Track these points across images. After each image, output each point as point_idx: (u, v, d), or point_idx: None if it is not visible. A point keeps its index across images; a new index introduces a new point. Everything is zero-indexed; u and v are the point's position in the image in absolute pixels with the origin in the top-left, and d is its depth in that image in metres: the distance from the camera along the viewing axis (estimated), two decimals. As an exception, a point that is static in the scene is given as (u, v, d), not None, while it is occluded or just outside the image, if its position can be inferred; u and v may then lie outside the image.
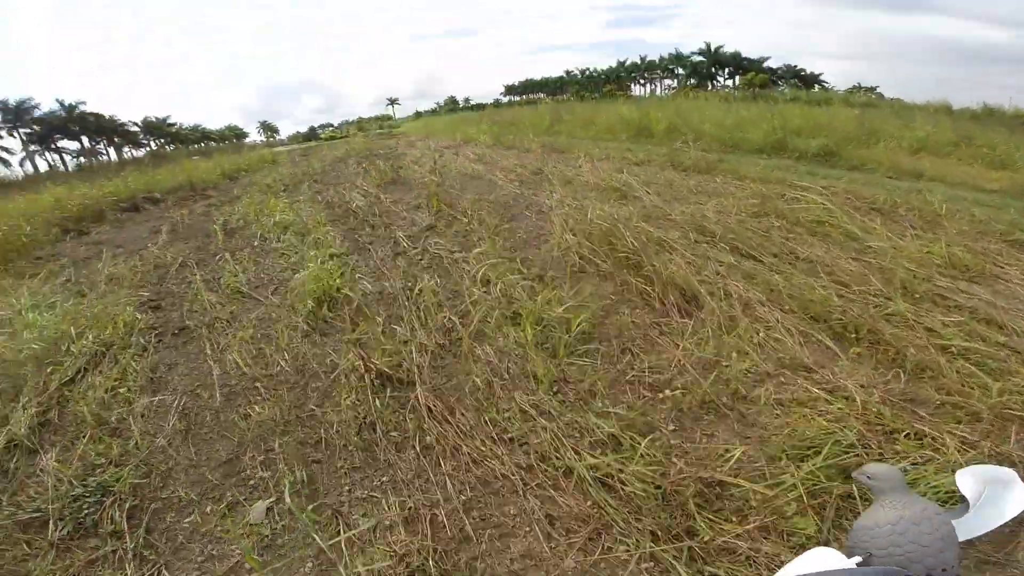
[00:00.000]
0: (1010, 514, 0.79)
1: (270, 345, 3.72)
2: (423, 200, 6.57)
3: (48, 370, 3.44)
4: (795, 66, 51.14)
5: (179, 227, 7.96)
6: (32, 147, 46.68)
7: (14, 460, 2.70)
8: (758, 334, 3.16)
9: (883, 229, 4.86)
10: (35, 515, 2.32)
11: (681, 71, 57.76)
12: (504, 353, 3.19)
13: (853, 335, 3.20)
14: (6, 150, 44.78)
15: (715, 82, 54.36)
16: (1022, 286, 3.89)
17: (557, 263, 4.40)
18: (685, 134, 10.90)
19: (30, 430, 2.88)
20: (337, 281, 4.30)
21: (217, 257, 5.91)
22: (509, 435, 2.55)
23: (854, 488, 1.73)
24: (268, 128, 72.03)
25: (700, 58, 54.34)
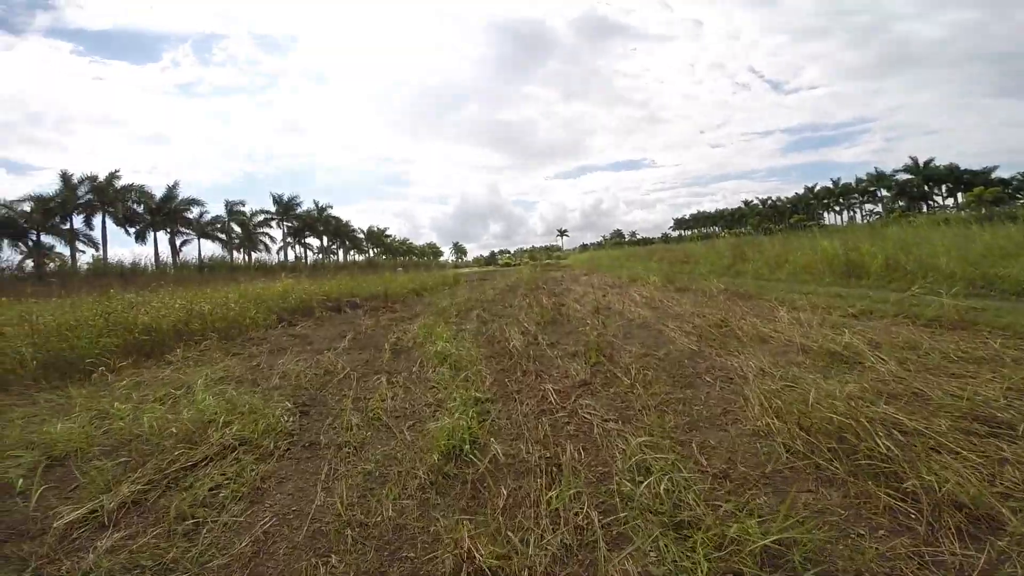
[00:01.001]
0: None
1: (381, 490, 3.27)
2: (581, 348, 5.94)
3: (177, 451, 3.59)
4: (1033, 176, 40.89)
5: (361, 336, 8.70)
6: (288, 239, 59.55)
7: (83, 531, 2.80)
8: None
9: None
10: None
11: (885, 192, 50.62)
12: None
13: None
14: (272, 238, 56.86)
15: (930, 202, 46.13)
16: None
17: (752, 456, 3.21)
18: (914, 272, 8.64)
19: (117, 507, 2.99)
20: (468, 436, 3.79)
21: (377, 377, 6.03)
22: None
23: None
24: (459, 250, 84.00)
25: (907, 175, 47.13)
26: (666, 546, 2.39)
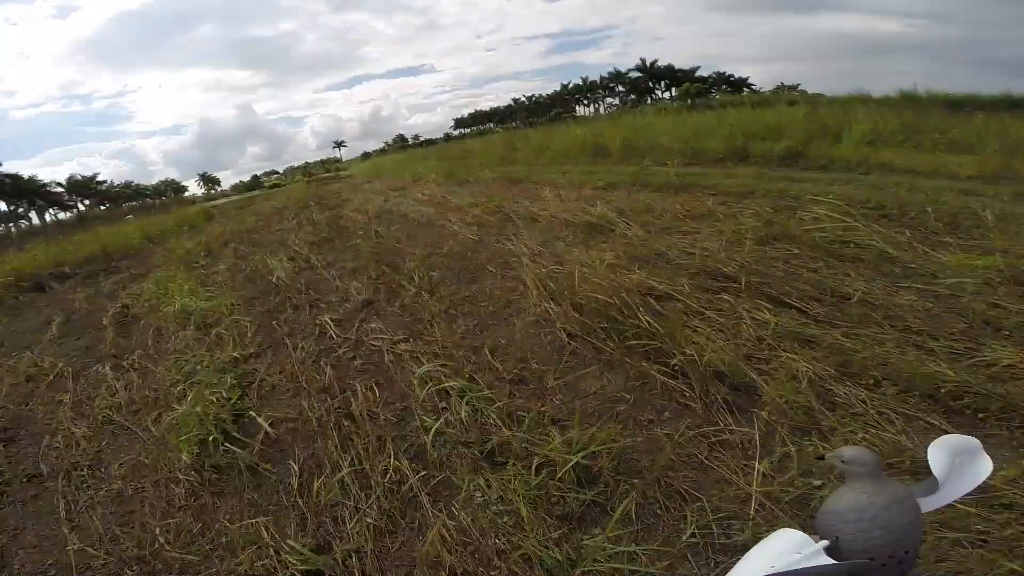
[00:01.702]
0: (974, 484, 0.67)
1: (143, 509, 2.51)
2: (362, 263, 5.21)
3: None
4: (724, 72, 52.69)
5: (75, 316, 6.33)
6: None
7: None
8: (856, 435, 2.01)
9: (912, 241, 3.89)
10: None
11: (621, 88, 58.74)
12: (483, 522, 1.94)
13: (982, 414, 2.13)
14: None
15: (653, 96, 55.44)
16: None
17: (540, 348, 3.16)
18: (644, 149, 10.06)
19: None
20: (226, 415, 2.94)
21: (99, 366, 4.40)
22: None
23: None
24: (208, 180, 67.41)
25: (638, 74, 55.35)
26: (487, 483, 2.12)
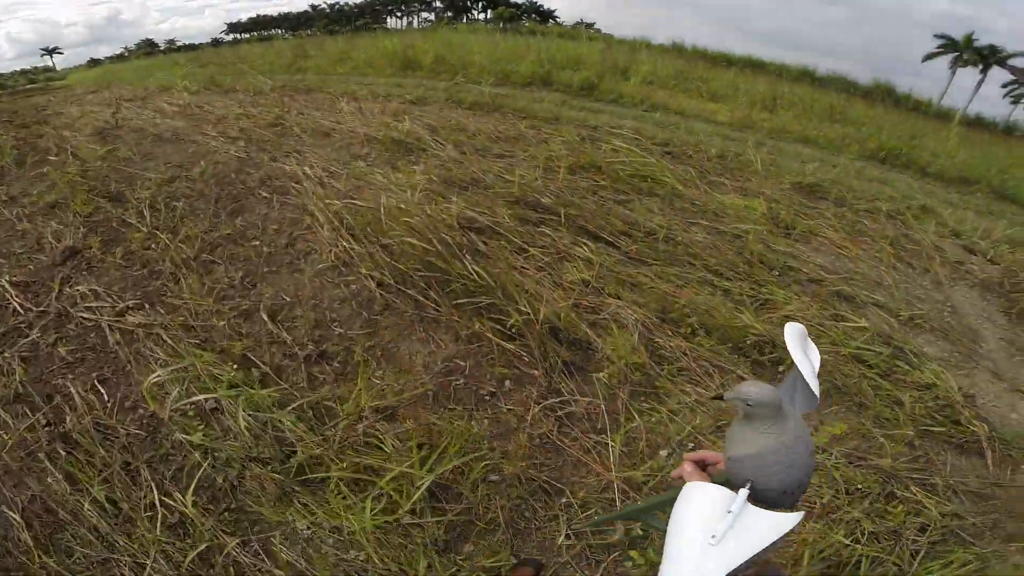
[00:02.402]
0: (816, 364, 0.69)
1: None
2: (65, 194, 3.46)
3: None
4: (535, 1, 52.71)
5: None
6: None
7: None
8: (687, 396, 1.98)
9: (696, 179, 4.24)
10: None
11: (439, 4, 54.30)
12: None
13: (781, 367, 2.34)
14: None
15: (469, 16, 52.99)
16: (838, 245, 3.64)
17: (342, 304, 2.45)
18: (455, 66, 9.24)
19: None
20: None
21: None
22: None
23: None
24: None
25: None
26: (309, 512, 1.47)
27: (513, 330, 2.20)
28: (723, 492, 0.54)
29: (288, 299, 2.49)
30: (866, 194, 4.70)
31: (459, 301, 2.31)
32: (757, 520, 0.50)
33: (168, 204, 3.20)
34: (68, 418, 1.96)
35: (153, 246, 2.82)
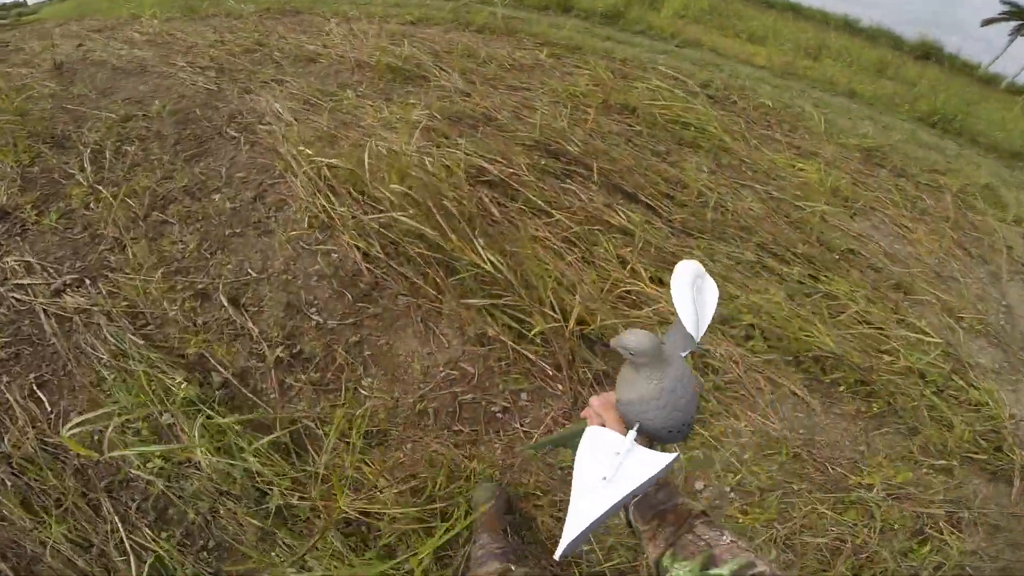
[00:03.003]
0: (715, 301, 0.71)
1: None
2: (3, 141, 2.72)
3: None
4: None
5: None
6: None
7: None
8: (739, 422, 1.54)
9: (744, 132, 3.55)
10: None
11: None
12: None
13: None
14: None
15: None
16: (898, 224, 3.06)
17: (319, 285, 1.90)
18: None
19: None
20: None
21: None
22: None
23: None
24: None
25: None
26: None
27: (535, 336, 1.69)
28: (613, 437, 0.58)
29: (254, 274, 1.94)
30: (925, 165, 4.04)
31: (467, 299, 1.77)
32: (641, 460, 0.55)
33: (118, 150, 2.52)
34: (7, 435, 1.51)
35: (93, 204, 2.20)
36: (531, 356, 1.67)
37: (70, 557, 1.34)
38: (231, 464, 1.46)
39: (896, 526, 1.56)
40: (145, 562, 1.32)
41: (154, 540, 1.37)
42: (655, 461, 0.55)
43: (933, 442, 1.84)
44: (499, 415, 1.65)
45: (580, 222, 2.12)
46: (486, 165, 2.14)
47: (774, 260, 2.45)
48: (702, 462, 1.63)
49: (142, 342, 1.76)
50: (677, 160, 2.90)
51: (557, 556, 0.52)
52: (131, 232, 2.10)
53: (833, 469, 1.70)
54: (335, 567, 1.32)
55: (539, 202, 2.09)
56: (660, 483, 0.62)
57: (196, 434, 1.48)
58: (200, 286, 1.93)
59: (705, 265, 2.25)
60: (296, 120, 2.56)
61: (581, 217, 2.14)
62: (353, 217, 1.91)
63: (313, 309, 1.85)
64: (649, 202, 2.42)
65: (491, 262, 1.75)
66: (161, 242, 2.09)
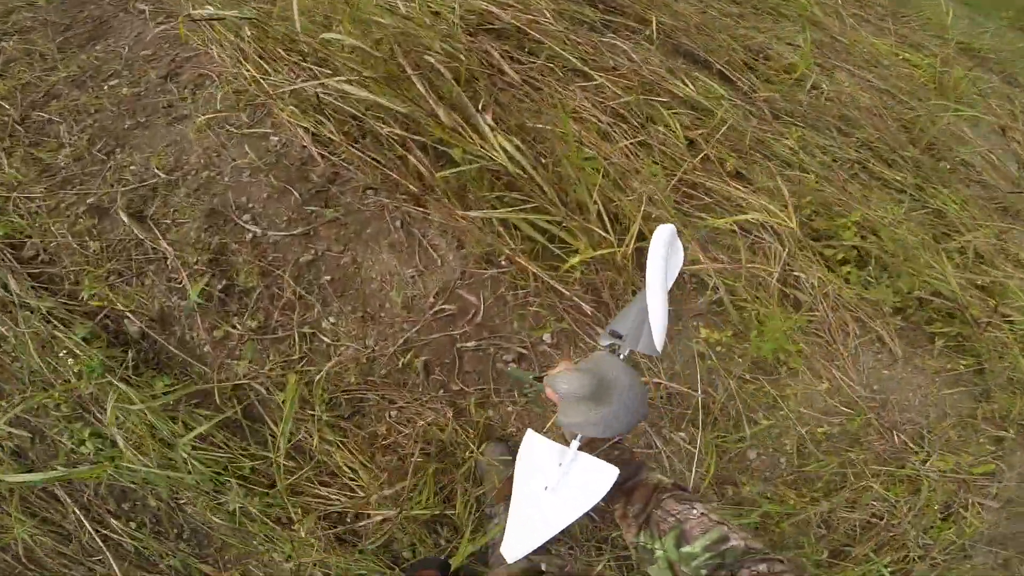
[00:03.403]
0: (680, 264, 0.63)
1: None
2: None
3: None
4: None
5: None
6: None
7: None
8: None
9: (839, 7, 2.69)
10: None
11: None
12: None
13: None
14: None
15: None
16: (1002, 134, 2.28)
17: (250, 177, 1.30)
18: None
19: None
20: None
21: None
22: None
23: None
24: None
25: None
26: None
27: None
28: (552, 448, 0.54)
29: (163, 175, 1.33)
30: None
31: (468, 205, 1.13)
32: (586, 468, 0.52)
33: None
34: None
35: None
36: (562, 289, 1.06)
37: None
38: (167, 460, 0.97)
39: (936, 505, 1.33)
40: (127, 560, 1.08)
41: (126, 533, 1.11)
42: (597, 479, 0.51)
43: (999, 409, 1.47)
44: (511, 364, 1.08)
45: (632, 89, 1.42)
46: (493, 8, 1.43)
47: (880, 163, 1.76)
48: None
49: (30, 285, 1.22)
50: (756, 26, 2.12)
51: (509, 559, 0.49)
52: (4, 142, 1.50)
53: (897, 436, 1.36)
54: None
55: (572, 59, 1.39)
56: (624, 458, 0.58)
57: (112, 416, 0.98)
58: (91, 199, 1.34)
59: (797, 158, 1.62)
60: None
61: (633, 82, 1.44)
62: (292, 87, 1.25)
63: (246, 216, 1.25)
64: (726, 71, 1.70)
65: (504, 151, 1.11)
66: (44, 148, 1.48)
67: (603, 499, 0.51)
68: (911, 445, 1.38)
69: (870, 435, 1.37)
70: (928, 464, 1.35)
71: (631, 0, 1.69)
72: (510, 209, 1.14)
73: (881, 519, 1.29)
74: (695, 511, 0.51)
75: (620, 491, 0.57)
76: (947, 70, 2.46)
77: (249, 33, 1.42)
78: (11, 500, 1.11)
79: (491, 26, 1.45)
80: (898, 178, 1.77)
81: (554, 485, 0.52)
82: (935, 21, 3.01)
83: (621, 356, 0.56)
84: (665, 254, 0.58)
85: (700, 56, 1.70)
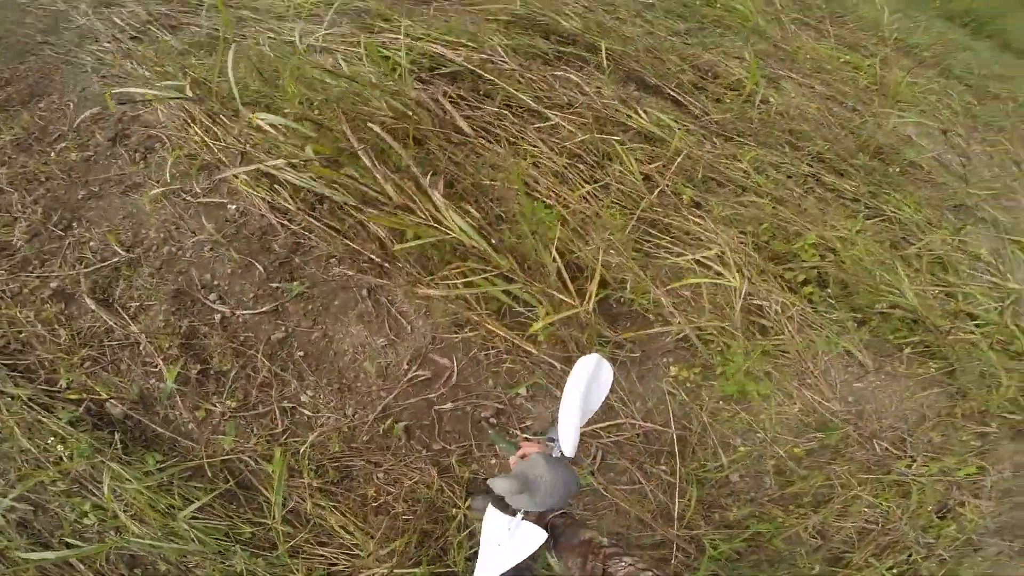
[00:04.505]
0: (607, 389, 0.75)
1: None
2: None
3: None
4: None
5: None
6: None
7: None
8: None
9: (778, 14, 2.61)
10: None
11: None
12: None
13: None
14: None
15: None
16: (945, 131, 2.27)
17: (210, 253, 1.27)
18: None
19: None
20: None
21: None
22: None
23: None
24: None
25: None
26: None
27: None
28: (504, 518, 0.68)
29: (123, 252, 1.27)
30: (968, 67, 3.10)
31: (426, 280, 1.11)
32: (525, 534, 0.67)
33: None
34: None
35: None
36: (531, 349, 1.07)
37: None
38: (169, 529, 0.97)
39: (930, 506, 1.34)
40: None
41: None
42: (531, 539, 0.66)
43: (977, 405, 1.48)
44: (492, 420, 1.09)
45: (586, 126, 1.39)
46: (444, 51, 1.36)
47: (832, 175, 1.77)
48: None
49: (6, 374, 1.18)
50: (701, 42, 2.06)
51: None
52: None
53: (879, 445, 1.36)
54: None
55: (526, 99, 1.35)
56: (567, 522, 0.79)
57: (109, 494, 0.97)
58: (54, 284, 1.28)
59: (751, 181, 1.61)
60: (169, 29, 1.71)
61: (588, 118, 1.41)
62: (243, 152, 1.19)
63: (213, 295, 1.21)
64: (676, 95, 1.67)
65: (457, 224, 1.07)
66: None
67: (538, 552, 0.66)
68: (893, 451, 1.40)
69: (851, 446, 1.38)
70: (913, 468, 1.37)
71: (582, 28, 1.63)
72: (469, 283, 1.12)
73: (876, 524, 1.32)
74: (624, 563, 0.64)
75: (561, 547, 0.73)
76: (885, 74, 2.45)
77: (192, 94, 1.33)
78: (27, 569, 1.11)
79: (444, 69, 1.39)
80: (851, 187, 1.78)
81: (505, 543, 0.67)
82: (870, 18, 2.97)
83: (554, 453, 0.71)
84: (587, 384, 0.71)
85: (651, 81, 1.66)
